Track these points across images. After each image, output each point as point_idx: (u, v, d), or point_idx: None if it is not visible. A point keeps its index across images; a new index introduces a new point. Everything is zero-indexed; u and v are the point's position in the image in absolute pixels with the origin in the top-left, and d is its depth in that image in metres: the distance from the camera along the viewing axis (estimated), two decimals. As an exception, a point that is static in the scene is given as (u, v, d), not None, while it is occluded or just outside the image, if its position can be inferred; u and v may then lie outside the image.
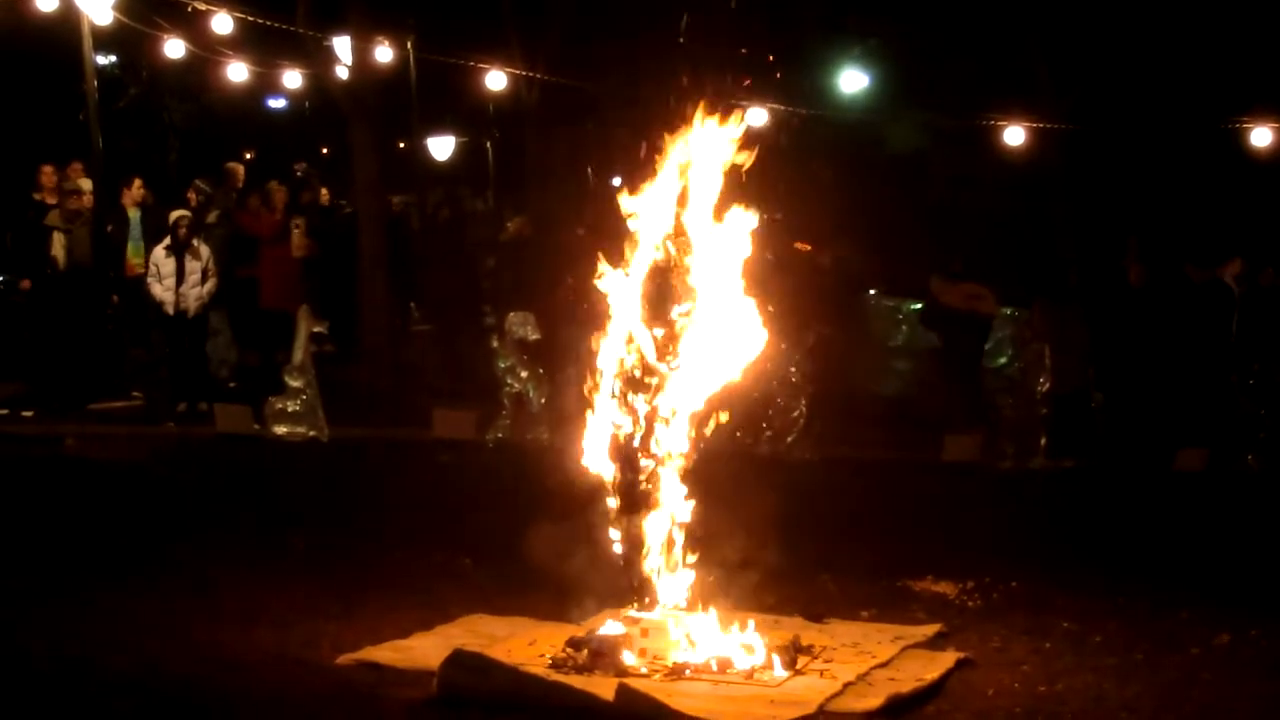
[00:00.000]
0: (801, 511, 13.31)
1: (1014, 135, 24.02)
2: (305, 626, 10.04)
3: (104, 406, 20.29)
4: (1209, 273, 19.32)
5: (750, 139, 9.64)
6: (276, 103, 37.71)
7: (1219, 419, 18.22)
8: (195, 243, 19.97)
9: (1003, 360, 20.52)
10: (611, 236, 9.68)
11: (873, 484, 16.26)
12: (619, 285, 9.55)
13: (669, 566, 9.58)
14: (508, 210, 29.05)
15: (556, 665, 9.10)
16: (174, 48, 26.03)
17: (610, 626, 9.33)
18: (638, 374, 9.49)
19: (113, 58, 33.53)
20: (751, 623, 9.48)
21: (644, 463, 9.47)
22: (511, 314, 18.91)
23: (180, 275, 19.79)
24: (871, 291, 22.79)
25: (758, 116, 24.00)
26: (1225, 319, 18.80)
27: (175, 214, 20.40)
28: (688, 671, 8.98)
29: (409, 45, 26.91)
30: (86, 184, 21.35)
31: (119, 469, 16.31)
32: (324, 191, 27.65)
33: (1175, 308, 18.76)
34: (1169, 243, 20.76)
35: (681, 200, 9.58)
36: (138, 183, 22.43)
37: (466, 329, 21.45)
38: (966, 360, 20.21)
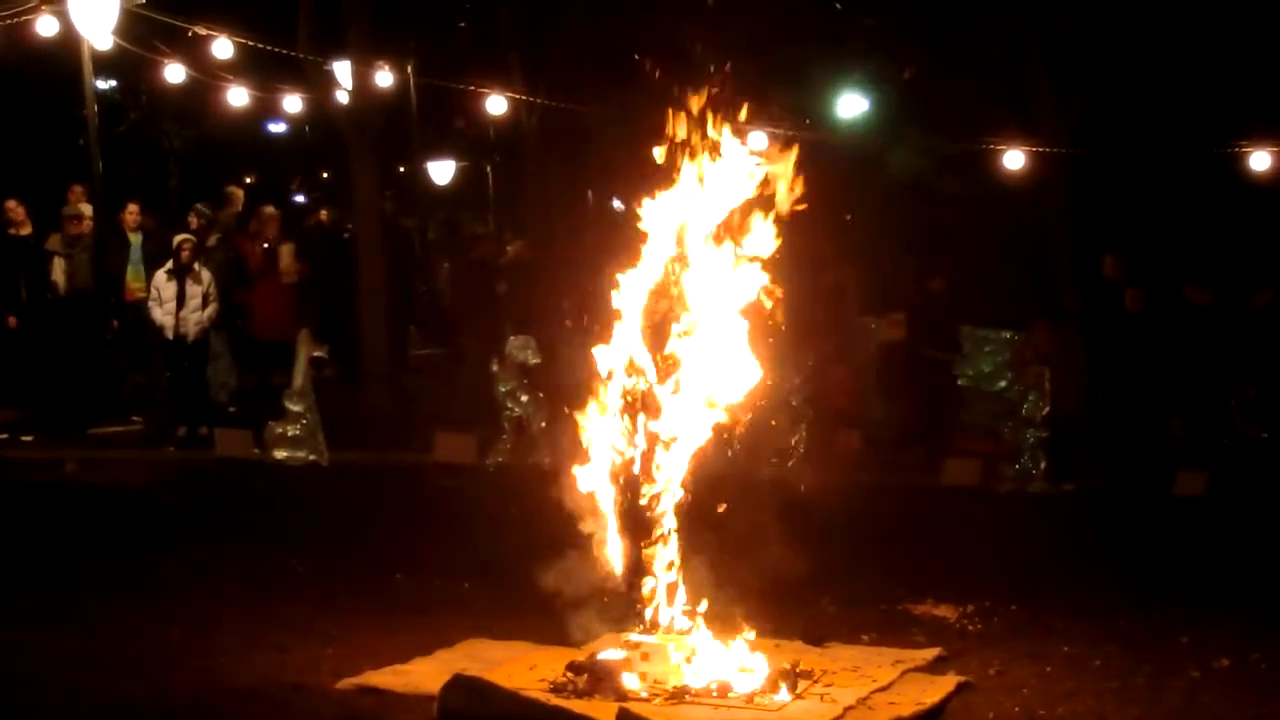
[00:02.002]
0: (801, 535, 13.31)
1: (1014, 159, 24.06)
2: (305, 651, 10.05)
3: (104, 431, 20.28)
4: (1208, 295, 19.34)
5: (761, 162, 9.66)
6: (277, 127, 37.80)
7: (1219, 442, 18.21)
8: (197, 267, 19.95)
9: (1002, 384, 20.51)
10: (612, 259, 9.69)
11: (872, 507, 16.24)
12: (621, 307, 9.57)
13: (669, 590, 9.58)
14: (508, 234, 29.10)
15: (556, 689, 9.09)
16: (174, 72, 26.16)
17: (610, 650, 9.33)
18: (638, 398, 9.49)
19: (113, 82, 33.58)
20: (751, 646, 9.47)
21: (644, 487, 9.47)
22: (512, 338, 18.91)
23: (181, 299, 19.77)
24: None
25: (759, 140, 24.10)
26: (1224, 341, 18.79)
27: (178, 238, 20.38)
28: (688, 695, 8.97)
29: (409, 70, 27.03)
30: (87, 209, 21.36)
31: (119, 493, 16.29)
32: (323, 213, 27.69)
33: (1173, 331, 18.76)
34: (1167, 265, 20.77)
35: (684, 221, 9.60)
36: (132, 207, 22.41)
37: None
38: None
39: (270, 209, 23.80)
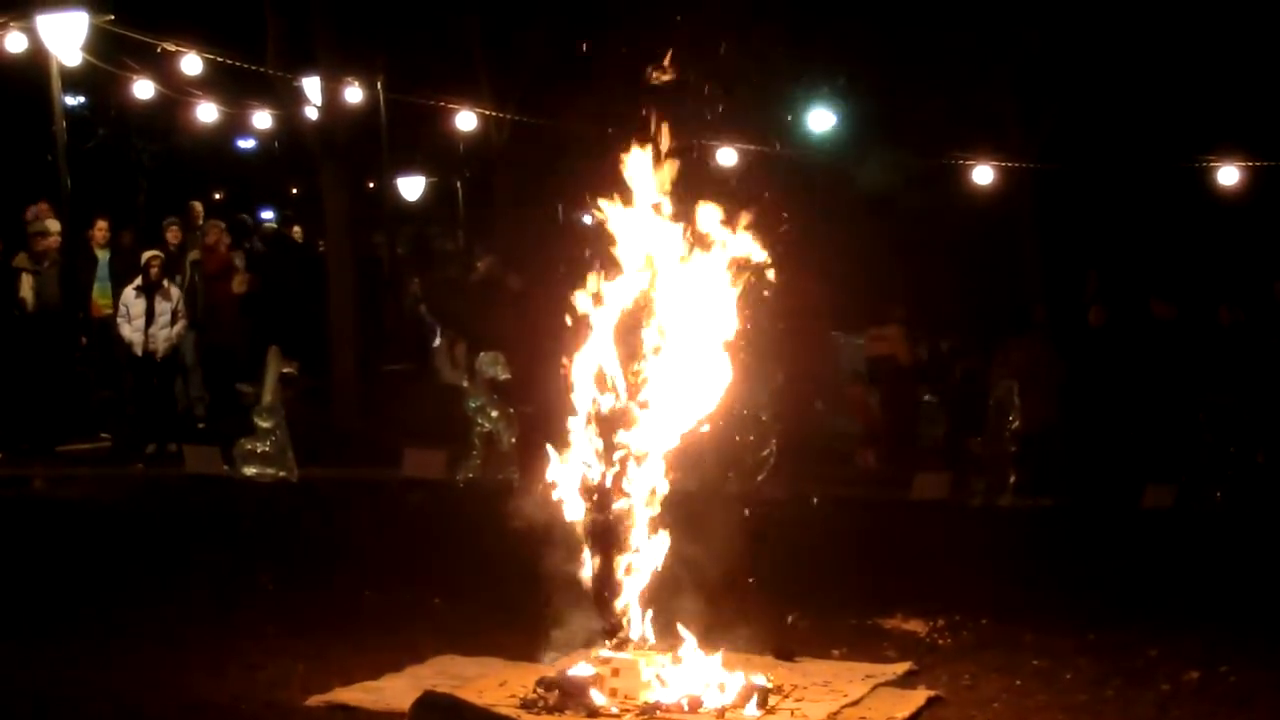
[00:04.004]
0: (772, 550, 13.33)
1: (983, 174, 24.14)
2: (275, 668, 10.01)
3: (72, 448, 20.21)
4: (1173, 309, 19.43)
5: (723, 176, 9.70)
6: (246, 143, 37.77)
7: (1187, 455, 18.27)
8: (165, 284, 19.92)
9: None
10: (580, 276, 9.69)
11: (842, 522, 16.25)
12: (591, 322, 9.57)
13: (640, 606, 9.57)
14: (478, 249, 29.10)
15: (527, 706, 9.07)
16: (143, 88, 26.10)
17: (581, 666, 9.31)
18: (609, 412, 9.49)
19: (81, 99, 33.51)
20: (722, 661, 9.47)
21: (614, 502, 9.47)
22: (482, 353, 18.90)
23: (150, 316, 19.73)
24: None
25: (728, 156, 24.14)
26: (1190, 354, 18.87)
27: (147, 254, 20.33)
28: (658, 711, 8.96)
29: (379, 86, 26.99)
30: (54, 225, 21.29)
31: (87, 511, 16.23)
32: (296, 229, 27.69)
33: (1137, 345, 18.83)
34: (1134, 279, 20.86)
35: (652, 238, 9.61)
36: (100, 223, 22.32)
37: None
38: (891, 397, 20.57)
39: (214, 220, 23.76)
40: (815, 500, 17.35)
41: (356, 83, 25.13)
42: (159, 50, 24.87)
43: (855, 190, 27.80)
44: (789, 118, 29.00)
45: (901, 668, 10.30)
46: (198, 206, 25.05)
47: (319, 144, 23.58)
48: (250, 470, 18.18)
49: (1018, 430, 18.25)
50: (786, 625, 11.42)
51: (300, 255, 26.35)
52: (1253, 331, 19.16)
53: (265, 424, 18.23)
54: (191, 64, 25.19)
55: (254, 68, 24.14)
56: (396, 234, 32.99)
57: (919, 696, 9.58)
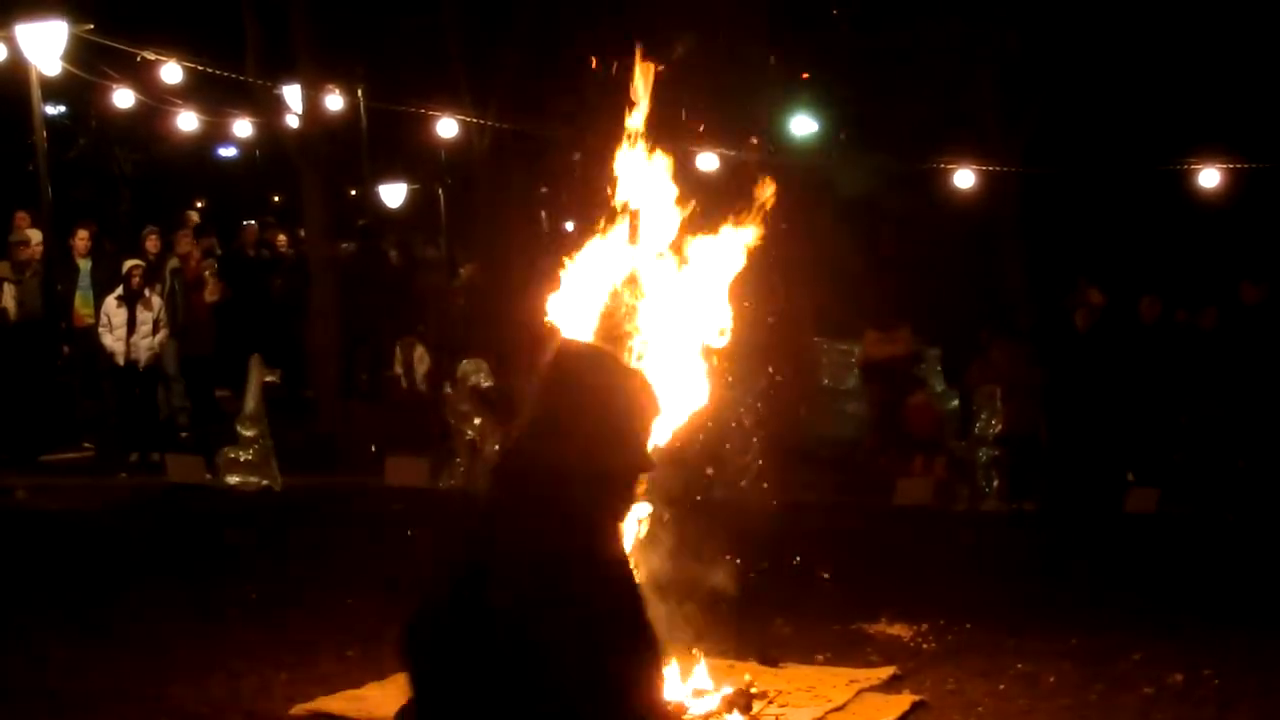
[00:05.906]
0: (755, 555, 13.31)
1: (964, 178, 24.14)
2: (258, 676, 9.99)
3: (55, 458, 20.18)
4: (1157, 311, 19.46)
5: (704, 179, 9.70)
6: (227, 151, 37.71)
7: (1170, 459, 18.30)
8: (147, 293, 19.89)
9: (954, 403, 20.57)
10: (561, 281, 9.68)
11: (826, 528, 16.25)
12: (572, 328, 9.55)
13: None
14: (460, 256, 29.08)
15: (510, 713, 9.05)
16: (123, 97, 26.06)
17: (565, 673, 9.29)
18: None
19: (62, 108, 33.44)
20: (706, 667, 9.46)
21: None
22: (465, 361, 18.89)
23: (131, 326, 19.71)
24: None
25: (709, 161, 24.13)
26: (1172, 358, 18.88)
27: (128, 264, 20.31)
28: (642, 718, 8.96)
29: (359, 93, 26.99)
30: (35, 234, 21.27)
31: (70, 520, 16.21)
32: (282, 237, 27.65)
33: (1122, 349, 18.85)
34: (1118, 283, 20.89)
35: (632, 243, 9.59)
36: (82, 233, 22.28)
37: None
38: (892, 403, 20.51)
39: (184, 230, 23.75)
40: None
41: (337, 90, 25.13)
42: (139, 59, 24.86)
43: (837, 195, 27.76)
44: (766, 122, 28.98)
45: (885, 672, 10.30)
46: (193, 216, 25.05)
47: (300, 152, 23.56)
48: (233, 479, 18.15)
49: (1001, 434, 18.27)
50: (770, 630, 11.43)
51: (281, 262, 26.30)
52: (1235, 335, 19.19)
53: (248, 432, 18.21)
54: (172, 72, 25.17)
55: (234, 76, 24.12)
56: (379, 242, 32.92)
57: (903, 701, 9.59)
